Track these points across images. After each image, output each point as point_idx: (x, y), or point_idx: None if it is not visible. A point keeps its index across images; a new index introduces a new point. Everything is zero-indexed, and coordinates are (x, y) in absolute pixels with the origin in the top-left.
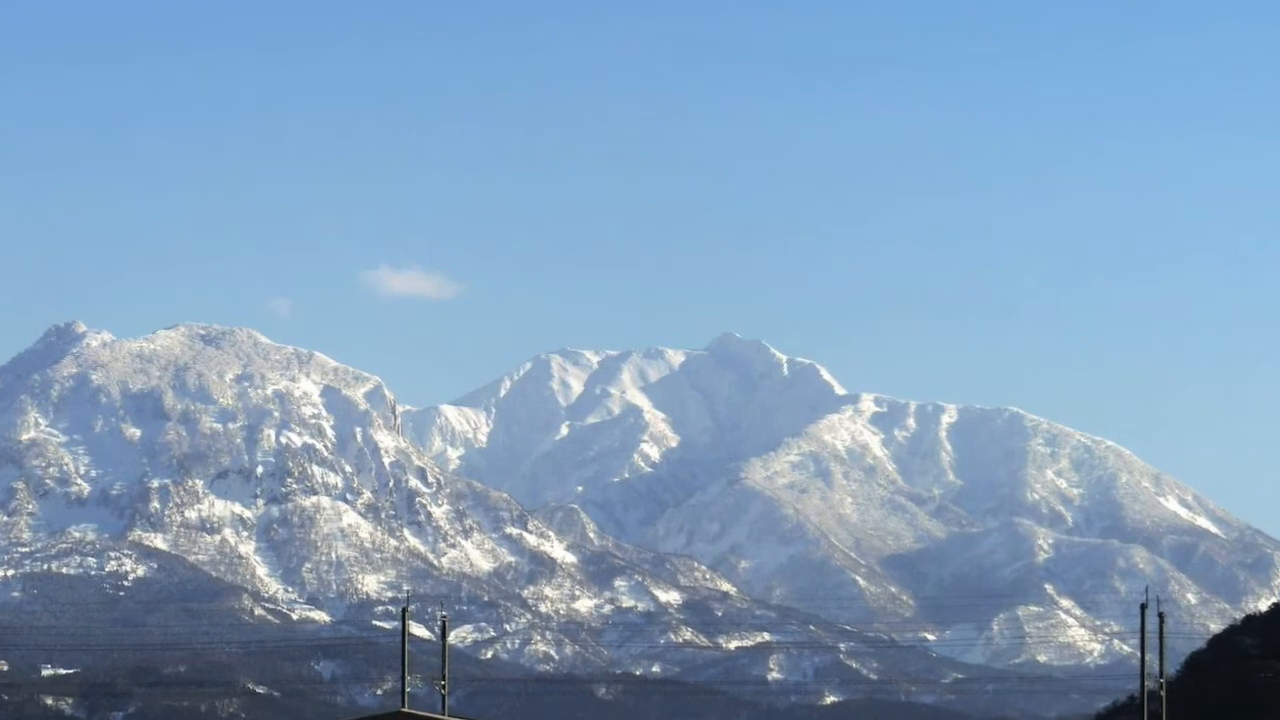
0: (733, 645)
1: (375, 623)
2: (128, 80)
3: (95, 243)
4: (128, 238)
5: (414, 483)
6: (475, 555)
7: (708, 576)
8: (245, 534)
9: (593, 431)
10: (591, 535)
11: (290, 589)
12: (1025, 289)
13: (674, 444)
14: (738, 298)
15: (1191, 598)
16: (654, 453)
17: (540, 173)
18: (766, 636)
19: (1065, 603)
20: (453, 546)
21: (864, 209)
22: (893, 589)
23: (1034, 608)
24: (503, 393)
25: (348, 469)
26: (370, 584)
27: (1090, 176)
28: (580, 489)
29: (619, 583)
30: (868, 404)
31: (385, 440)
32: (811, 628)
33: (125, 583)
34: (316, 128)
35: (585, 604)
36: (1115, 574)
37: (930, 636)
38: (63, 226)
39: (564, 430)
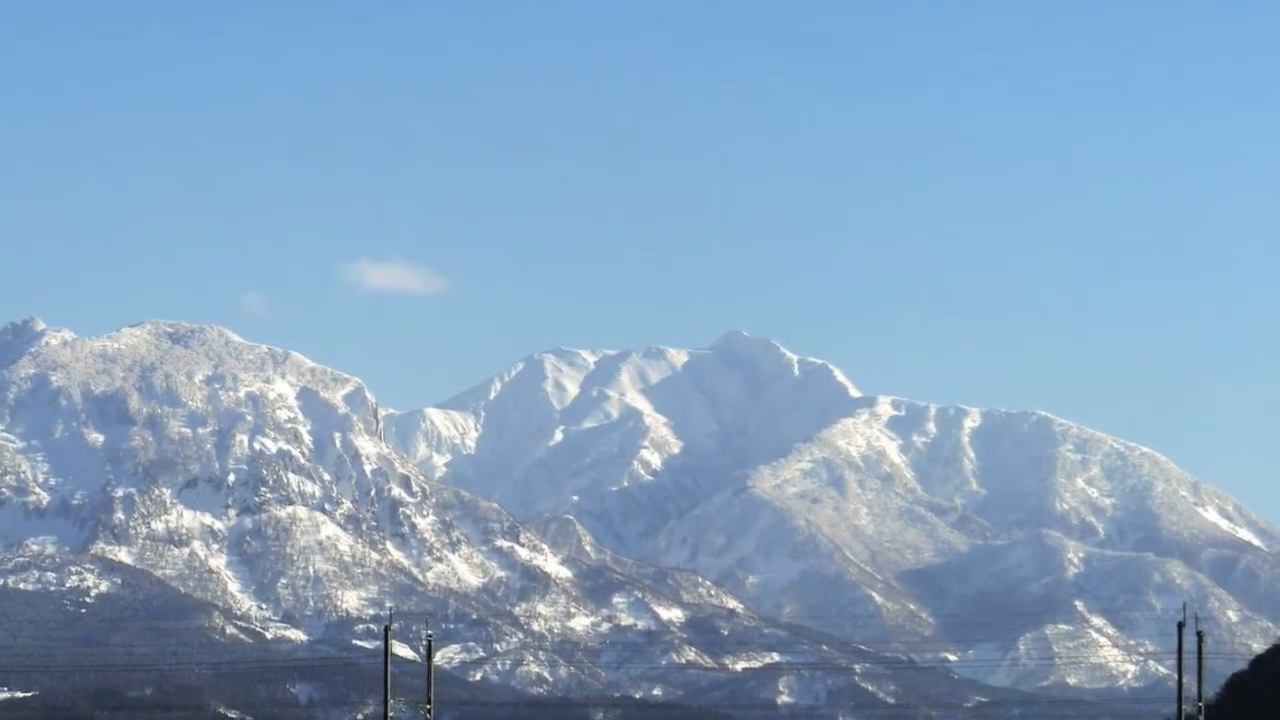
0: (740, 666)
1: (356, 642)
2: (89, 60)
3: (55, 234)
4: (90, 228)
5: (397, 492)
6: (463, 569)
7: (713, 592)
8: (216, 547)
9: (589, 437)
10: (588, 548)
11: (264, 606)
12: (1053, 284)
13: (676, 450)
14: (745, 293)
15: (1232, 615)
16: (655, 459)
17: (534, 159)
18: (776, 657)
19: (1097, 620)
20: (439, 560)
21: (880, 199)
22: (911, 606)
23: (1063, 626)
24: (493, 395)
25: (326, 477)
26: (350, 600)
27: (1123, 164)
28: (576, 498)
29: (617, 599)
30: (885, 407)
31: (366, 446)
32: (824, 647)
33: (87, 599)
34: (293, 111)
35: (581, 622)
36: (1151, 590)
37: (952, 657)
38: (19, 216)
39: (558, 435)
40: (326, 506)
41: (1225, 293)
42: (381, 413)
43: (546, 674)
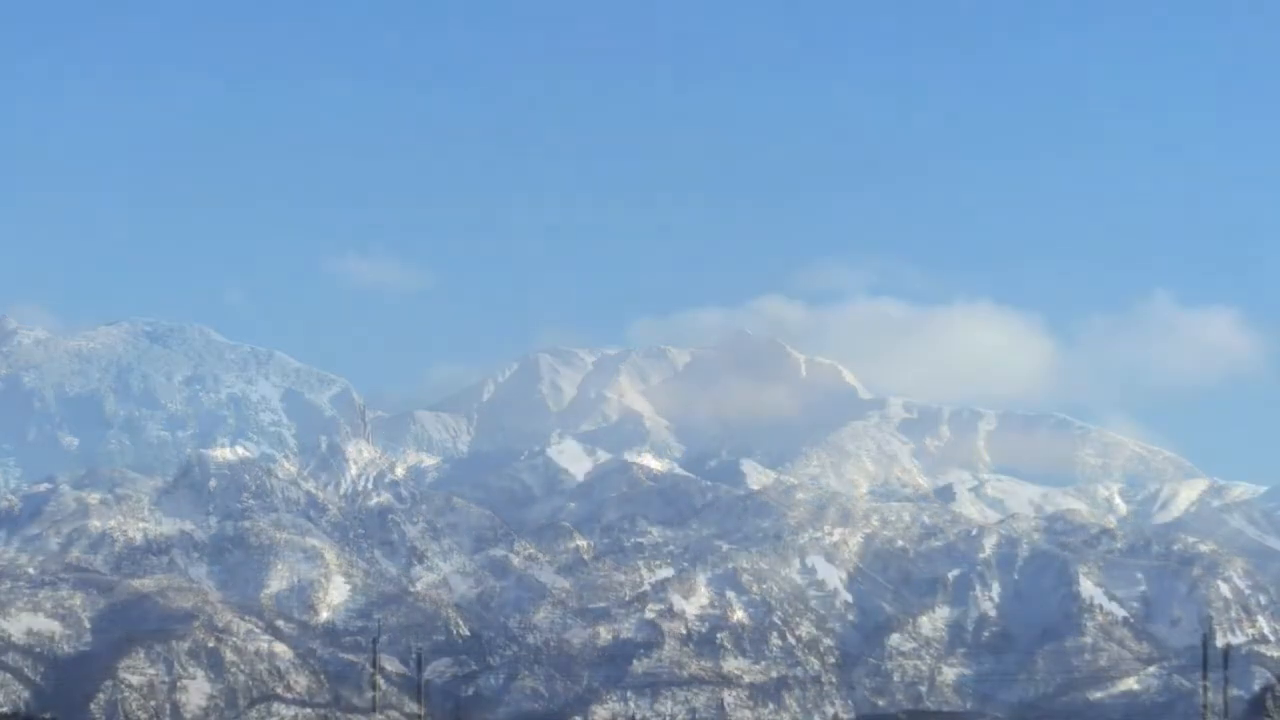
0: (746, 679)
1: (342, 655)
2: (63, 48)
3: (27, 228)
4: (64, 223)
5: (386, 497)
6: (454, 579)
7: (716, 603)
8: (196, 555)
9: (587, 440)
10: (585, 557)
11: (246, 617)
12: (1073, 282)
13: (679, 454)
14: (749, 291)
15: (1262, 625)
16: (656, 464)
17: (528, 149)
18: (784, 669)
19: (1118, 632)
20: (429, 569)
21: (891, 193)
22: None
23: (1083, 638)
24: (486, 396)
25: (311, 482)
26: (336, 612)
27: (1145, 157)
28: (573, 505)
29: (617, 610)
30: (896, 409)
31: (353, 450)
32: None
33: (61, 609)
34: (275, 97)
35: (579, 634)
36: (1174, 600)
37: (966, 670)
38: None
39: (555, 439)
40: (311, 513)
41: (1250, 293)
42: (369, 415)
43: (543, 689)
